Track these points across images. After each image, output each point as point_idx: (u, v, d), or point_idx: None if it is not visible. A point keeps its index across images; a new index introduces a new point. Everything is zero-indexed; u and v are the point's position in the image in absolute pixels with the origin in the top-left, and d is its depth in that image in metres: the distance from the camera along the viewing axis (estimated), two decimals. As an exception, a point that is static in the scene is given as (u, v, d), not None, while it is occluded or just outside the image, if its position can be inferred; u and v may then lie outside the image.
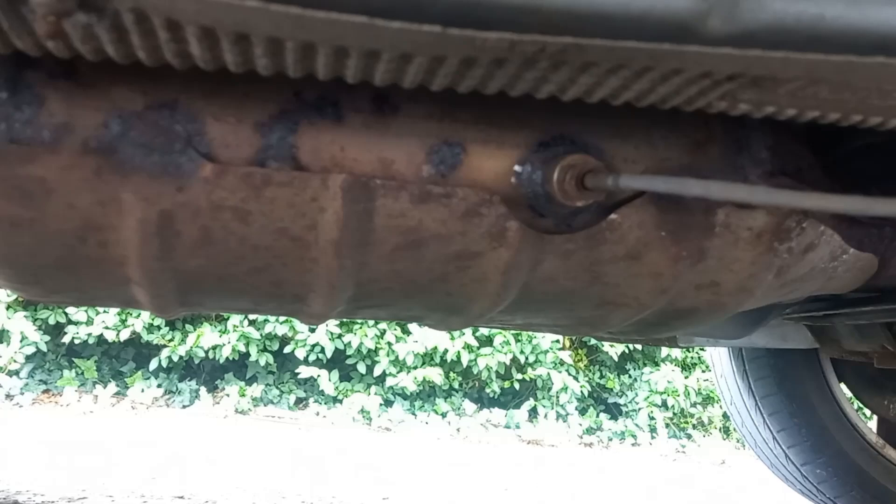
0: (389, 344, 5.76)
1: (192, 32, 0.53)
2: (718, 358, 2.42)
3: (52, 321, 5.48)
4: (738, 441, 6.07)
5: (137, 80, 0.69)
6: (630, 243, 0.82)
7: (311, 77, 0.62)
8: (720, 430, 6.34)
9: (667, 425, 6.20)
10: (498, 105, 0.75)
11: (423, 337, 5.70)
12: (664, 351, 6.45)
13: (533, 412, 5.98)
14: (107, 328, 5.41)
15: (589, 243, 0.81)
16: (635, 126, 0.80)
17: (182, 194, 0.71)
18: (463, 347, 5.73)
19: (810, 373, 2.20)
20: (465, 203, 0.75)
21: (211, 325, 5.65)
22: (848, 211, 0.63)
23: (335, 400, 5.74)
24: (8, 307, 5.29)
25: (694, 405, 6.34)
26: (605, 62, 0.55)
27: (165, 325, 5.64)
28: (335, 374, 5.78)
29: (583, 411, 6.20)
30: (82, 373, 5.50)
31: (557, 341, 6.08)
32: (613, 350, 6.27)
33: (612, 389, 6.43)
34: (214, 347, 5.51)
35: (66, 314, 5.49)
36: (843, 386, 2.25)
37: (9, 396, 5.09)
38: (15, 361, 5.25)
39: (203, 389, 5.56)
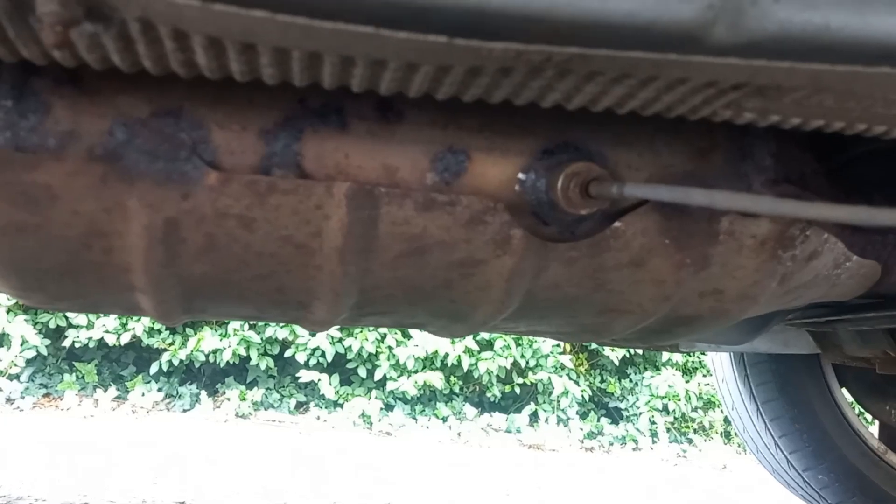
0: (390, 348, 5.76)
1: (199, 42, 0.53)
2: (720, 363, 2.42)
3: (52, 325, 5.47)
4: (739, 446, 6.06)
5: (142, 87, 0.70)
6: (634, 251, 0.82)
7: (315, 85, 0.62)
8: (721, 434, 6.33)
9: (668, 430, 6.19)
10: (502, 113, 0.75)
11: (424, 341, 5.69)
12: (665, 355, 6.44)
13: (534, 416, 5.97)
14: (107, 332, 5.41)
15: (592, 251, 0.81)
16: (639, 134, 0.80)
17: (187, 201, 0.71)
18: (464, 351, 5.72)
19: (812, 378, 2.20)
20: (469, 210, 0.75)
21: (211, 329, 5.64)
22: (851, 221, 0.63)
23: (336, 404, 5.74)
24: (8, 311, 5.28)
25: (695, 410, 6.33)
26: (610, 71, 0.56)
27: (166, 329, 5.63)
28: (336, 378, 5.78)
29: (584, 416, 6.19)
30: (83, 377, 5.50)
31: (558, 345, 6.08)
32: (614, 354, 6.26)
33: (612, 394, 6.42)
34: (215, 351, 5.50)
35: (66, 318, 5.48)
36: (844, 391, 2.25)
37: (9, 400, 5.08)
38: (15, 365, 5.24)
39: (203, 393, 5.55)
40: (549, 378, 5.92)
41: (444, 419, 5.76)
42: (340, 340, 5.69)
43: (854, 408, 2.29)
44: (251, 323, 5.60)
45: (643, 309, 0.88)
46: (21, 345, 5.22)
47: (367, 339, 5.69)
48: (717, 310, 0.91)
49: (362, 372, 5.78)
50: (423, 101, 0.69)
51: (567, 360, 6.07)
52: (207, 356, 5.53)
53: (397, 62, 0.54)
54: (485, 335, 5.82)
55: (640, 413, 6.21)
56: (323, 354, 5.63)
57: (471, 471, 4.12)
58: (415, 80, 0.59)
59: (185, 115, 0.71)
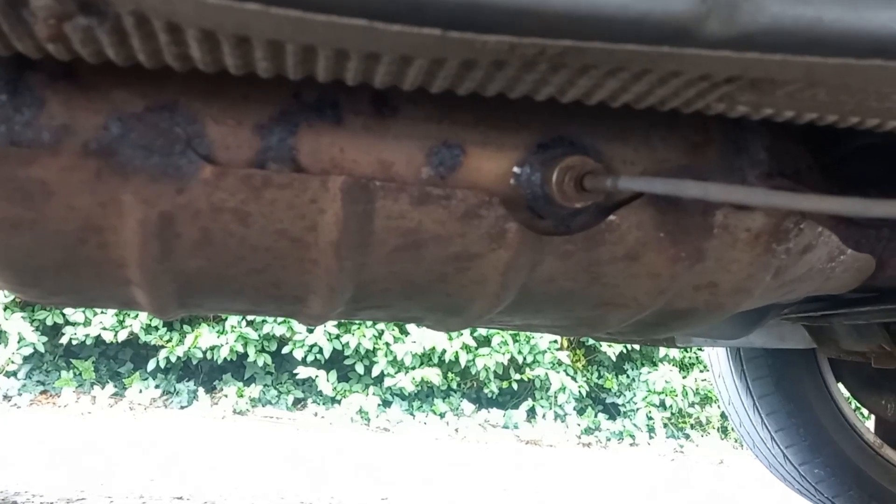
0: (388, 344, 5.76)
1: (193, 35, 0.53)
2: (716, 358, 2.43)
3: (49, 322, 5.47)
4: (736, 441, 6.07)
5: (137, 82, 0.70)
6: (629, 244, 0.82)
7: (310, 78, 0.62)
8: (718, 429, 6.34)
9: (665, 425, 6.20)
10: (497, 107, 0.75)
11: (422, 337, 5.70)
12: (662, 351, 6.46)
13: (531, 412, 5.98)
14: (104, 329, 5.41)
15: (588, 244, 0.81)
16: (634, 128, 0.81)
17: (182, 196, 0.71)
18: (461, 348, 5.73)
19: (808, 373, 2.21)
20: (464, 205, 0.76)
21: (209, 325, 5.64)
22: (845, 212, 0.63)
23: (333, 400, 5.74)
24: (5, 308, 5.28)
25: (692, 405, 6.34)
26: (604, 65, 0.56)
27: (163, 326, 5.64)
28: (333, 375, 5.78)
29: (581, 411, 6.20)
30: (80, 374, 5.50)
31: (555, 341, 6.09)
32: (611, 350, 6.27)
33: (610, 389, 6.43)
34: (212, 348, 5.51)
35: (63, 315, 5.48)
36: (840, 386, 2.26)
37: (6, 397, 5.08)
38: (12, 362, 5.24)
39: (201, 390, 5.55)
40: (547, 374, 5.93)
41: (442, 415, 5.77)
42: (338, 337, 5.69)
43: (850, 402, 2.30)
44: (249, 319, 5.60)
45: (638, 302, 0.89)
46: (18, 342, 5.22)
47: (364, 336, 5.70)
48: (712, 303, 0.91)
49: (360, 368, 5.79)
50: (418, 96, 0.69)
51: (564, 356, 6.08)
52: (205, 353, 5.53)
53: (391, 55, 0.54)
54: (482, 331, 5.82)
55: (638, 408, 6.22)
56: (320, 351, 5.64)
57: (468, 467, 4.12)
58: (409, 73, 0.59)
59: (181, 110, 0.71)
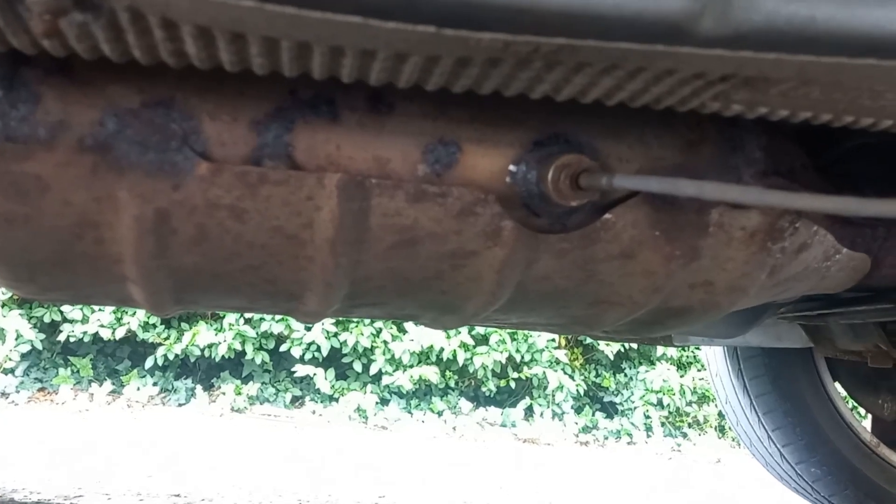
0: (385, 342, 5.76)
1: (188, 32, 0.53)
2: (713, 357, 2.43)
3: (47, 319, 5.47)
4: (733, 440, 6.08)
5: (133, 77, 0.70)
6: (624, 242, 0.82)
7: (306, 75, 0.62)
8: (715, 428, 6.35)
9: (662, 424, 6.21)
10: (493, 104, 0.75)
11: (419, 335, 5.70)
12: (660, 350, 6.46)
13: (529, 411, 5.99)
14: (102, 326, 5.41)
15: (583, 242, 0.81)
16: (629, 125, 0.81)
17: (178, 192, 0.71)
18: (459, 346, 5.73)
19: (805, 372, 2.21)
20: (460, 202, 0.76)
21: (207, 323, 5.64)
22: (840, 211, 0.63)
23: (331, 398, 5.74)
24: (3, 305, 5.28)
25: (689, 404, 6.35)
26: (598, 63, 0.56)
27: (161, 324, 5.63)
28: (331, 373, 5.78)
29: (578, 410, 6.21)
30: (78, 371, 5.49)
31: (553, 340, 6.09)
32: (609, 349, 6.28)
33: (607, 388, 6.43)
34: (210, 346, 5.50)
35: (61, 312, 5.47)
36: (837, 385, 2.26)
37: (4, 395, 5.08)
38: (10, 360, 5.24)
39: (199, 388, 5.55)
40: (545, 372, 5.94)
41: (440, 413, 5.77)
42: (336, 335, 5.69)
43: (847, 401, 2.30)
44: (247, 317, 5.60)
45: (633, 301, 0.89)
46: (16, 339, 5.22)
47: (362, 334, 5.70)
48: (708, 301, 0.91)
49: (358, 366, 5.79)
50: (414, 93, 0.69)
51: (562, 354, 6.08)
52: (203, 350, 5.53)
53: (386, 52, 0.55)
54: (480, 330, 5.83)
55: (635, 407, 6.23)
56: (318, 349, 5.64)
57: (466, 465, 4.13)
58: (404, 70, 0.59)
59: (177, 106, 0.71)
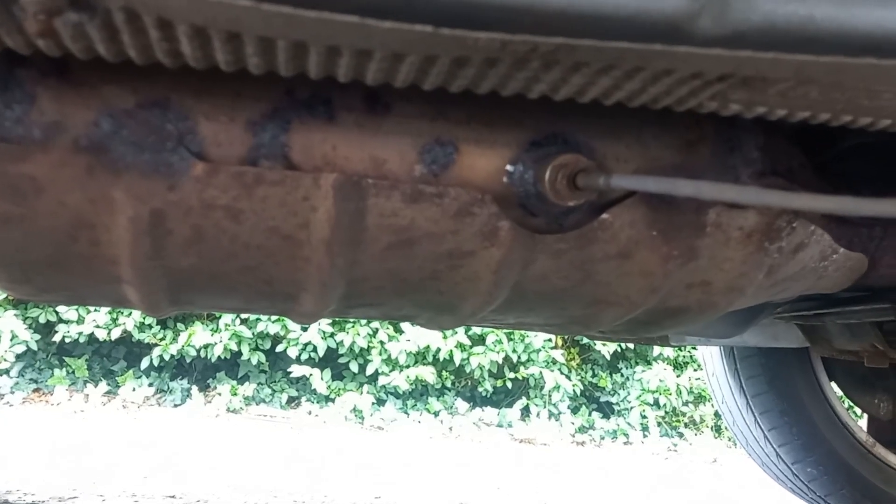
0: (382, 343, 5.76)
1: (184, 31, 0.53)
2: (710, 357, 2.43)
3: (42, 320, 5.45)
4: (729, 439, 6.09)
5: (129, 78, 0.69)
6: (621, 242, 0.82)
7: (302, 75, 0.62)
8: (712, 428, 6.36)
9: (659, 424, 6.21)
10: (490, 104, 0.75)
11: (416, 336, 5.69)
12: (656, 350, 6.47)
13: (525, 411, 5.99)
14: (98, 327, 5.39)
15: (580, 242, 0.81)
16: (627, 125, 0.81)
17: (173, 193, 0.70)
18: (455, 346, 5.73)
19: (801, 372, 2.21)
20: (456, 202, 0.75)
21: (203, 323, 5.63)
22: (837, 211, 0.63)
23: (327, 399, 5.74)
24: (-2, 306, 5.27)
25: (686, 404, 6.36)
26: (596, 62, 0.56)
27: (157, 324, 5.62)
28: (327, 373, 5.78)
29: (575, 410, 6.21)
30: (73, 372, 5.48)
31: (550, 340, 6.09)
32: (606, 349, 6.28)
33: (604, 388, 6.44)
34: (206, 346, 5.49)
35: (56, 313, 5.46)
36: (833, 384, 2.26)
37: (-1, 395, 5.07)
38: (5, 360, 5.22)
39: (195, 388, 5.54)
40: (541, 373, 5.94)
41: (436, 414, 5.77)
42: (332, 335, 5.68)
43: (843, 401, 2.30)
44: (242, 318, 5.59)
45: (631, 301, 0.89)
46: (11, 339, 5.21)
47: (358, 334, 5.69)
48: (705, 301, 0.91)
49: (354, 367, 5.78)
50: (411, 93, 0.69)
51: (559, 354, 6.08)
52: (198, 351, 5.52)
53: (383, 52, 0.54)
54: (477, 330, 5.82)
55: (632, 407, 6.23)
56: (315, 349, 5.63)
57: (462, 465, 4.12)
58: (401, 70, 0.58)
59: (172, 106, 0.70)
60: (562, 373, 6.14)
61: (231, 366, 5.80)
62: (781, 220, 0.85)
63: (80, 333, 5.41)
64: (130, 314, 5.44)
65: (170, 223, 0.72)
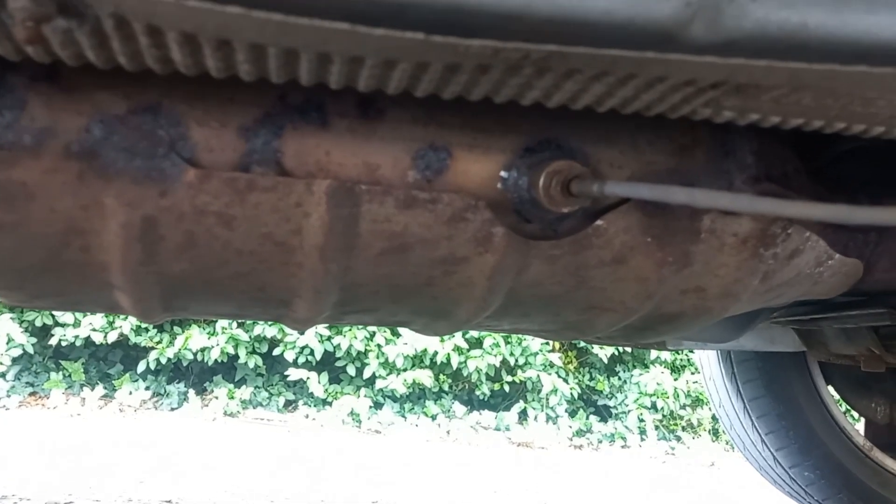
0: (379, 346, 5.75)
1: (174, 38, 0.52)
2: (707, 361, 2.43)
3: (38, 323, 5.44)
4: (727, 443, 6.08)
5: (120, 83, 0.69)
6: (616, 248, 0.82)
7: (295, 81, 0.61)
8: (709, 432, 6.36)
9: (656, 427, 6.21)
10: (484, 110, 0.75)
11: (413, 339, 5.69)
12: (653, 353, 6.47)
13: (523, 414, 5.98)
14: (94, 330, 5.38)
15: (575, 248, 0.81)
16: (621, 131, 0.80)
17: (165, 199, 0.70)
18: (453, 350, 5.73)
19: (798, 376, 2.21)
20: (450, 208, 0.75)
21: (199, 327, 5.62)
22: (831, 219, 0.63)
23: (324, 402, 5.73)
24: (-6, 309, 5.26)
25: (683, 407, 6.35)
26: (588, 69, 0.55)
27: (153, 328, 5.61)
28: (324, 377, 5.77)
29: (572, 413, 6.20)
30: (69, 375, 5.47)
31: (547, 343, 6.09)
32: (603, 352, 6.28)
33: (601, 391, 6.43)
34: (203, 350, 5.48)
35: (52, 316, 5.45)
36: (830, 388, 2.26)
37: (-5, 399, 5.06)
38: (1, 364, 5.21)
39: (191, 392, 5.53)
40: (538, 376, 5.93)
41: (434, 417, 5.76)
42: (329, 339, 5.68)
43: (840, 405, 2.30)
44: (239, 321, 5.58)
45: (626, 307, 0.88)
46: (7, 343, 5.19)
47: (356, 338, 5.69)
48: (700, 307, 0.91)
49: (351, 370, 5.78)
50: (404, 99, 0.69)
51: (556, 358, 6.08)
52: (195, 354, 5.51)
53: (375, 59, 0.54)
54: (474, 333, 5.82)
55: (629, 411, 6.23)
56: (312, 353, 5.63)
57: (460, 469, 4.12)
58: (393, 76, 0.58)
59: (164, 112, 0.70)
60: (559, 376, 6.13)
61: (228, 369, 5.79)
62: (776, 226, 0.85)
63: (77, 337, 5.40)
64: (127, 318, 5.42)
65: (162, 229, 0.72)
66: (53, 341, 5.42)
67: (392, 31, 0.50)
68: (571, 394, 6.12)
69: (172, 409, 5.39)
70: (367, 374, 5.71)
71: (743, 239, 0.84)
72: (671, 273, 0.84)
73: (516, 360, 5.98)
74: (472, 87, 0.60)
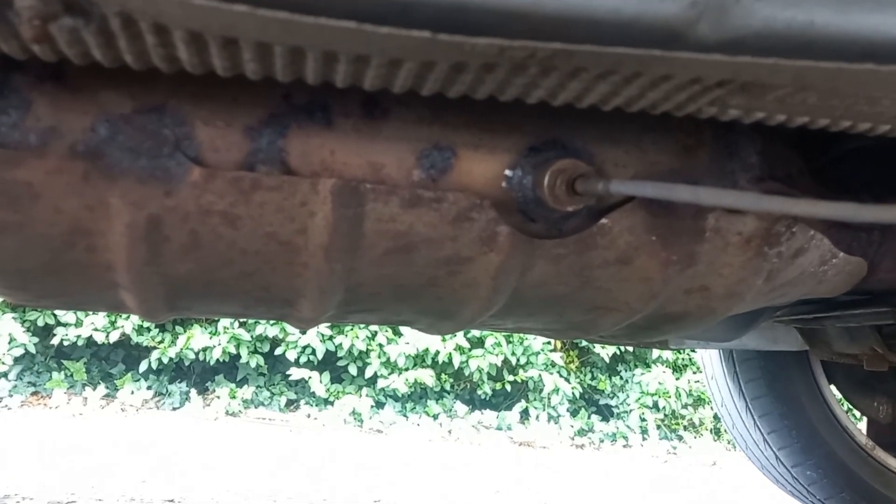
0: (381, 346, 5.75)
1: (180, 37, 0.52)
2: (709, 360, 2.43)
3: (40, 323, 5.44)
4: (728, 442, 6.08)
5: (126, 83, 0.69)
6: (620, 248, 0.82)
7: (300, 80, 0.61)
8: (711, 431, 6.35)
9: (658, 427, 6.21)
10: (489, 109, 0.75)
11: (415, 339, 5.69)
12: (655, 352, 6.46)
13: (524, 414, 5.98)
14: (96, 330, 5.38)
15: (579, 248, 0.80)
16: (625, 130, 0.80)
17: (170, 199, 0.70)
18: (454, 349, 5.72)
19: (801, 375, 2.21)
20: (455, 207, 0.75)
21: (201, 326, 5.62)
22: (836, 218, 0.63)
23: (326, 402, 5.73)
24: (-4, 309, 5.26)
25: (685, 406, 6.35)
26: (594, 68, 0.55)
27: (155, 327, 5.61)
28: (326, 376, 5.77)
29: (574, 413, 6.20)
30: (71, 375, 5.47)
31: (549, 343, 6.08)
32: (605, 352, 6.27)
33: (603, 391, 6.43)
34: (205, 349, 5.48)
35: (55, 316, 5.45)
36: (833, 387, 2.26)
37: (-3, 398, 5.06)
38: (3, 363, 5.21)
39: (193, 391, 5.53)
40: (540, 375, 5.93)
41: (435, 416, 5.76)
42: (331, 338, 5.68)
43: (842, 404, 2.30)
44: (241, 320, 5.59)
45: (630, 306, 0.88)
46: (9, 342, 5.19)
47: (357, 337, 5.68)
48: (704, 307, 0.91)
49: (353, 369, 5.78)
50: (409, 98, 0.69)
51: (558, 357, 6.08)
52: (197, 354, 5.51)
53: (381, 58, 0.54)
54: (476, 332, 5.82)
55: (631, 410, 6.22)
56: (313, 352, 5.63)
57: (461, 468, 4.12)
58: (399, 75, 0.58)
59: (169, 112, 0.70)
60: (561, 375, 6.13)
61: (230, 369, 5.79)
62: (780, 224, 0.85)
63: (79, 336, 5.40)
64: (129, 317, 5.42)
65: (167, 229, 0.72)
66: (55, 341, 5.42)
67: (398, 30, 0.50)
68: (573, 393, 6.12)
69: (174, 409, 5.39)
70: (368, 373, 5.71)
71: (747, 238, 0.84)
72: (675, 273, 0.84)
73: (518, 360, 5.98)
74: (477, 86, 0.60)
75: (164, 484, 2.94)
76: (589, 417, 6.17)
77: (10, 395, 5.11)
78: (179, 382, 5.70)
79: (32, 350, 5.36)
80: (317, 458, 3.97)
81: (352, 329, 5.69)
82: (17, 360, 5.33)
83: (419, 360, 5.81)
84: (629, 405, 6.28)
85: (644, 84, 0.59)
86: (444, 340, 5.72)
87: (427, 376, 5.67)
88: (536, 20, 0.50)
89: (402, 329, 5.69)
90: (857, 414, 2.43)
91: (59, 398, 5.14)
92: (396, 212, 0.74)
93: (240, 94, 0.71)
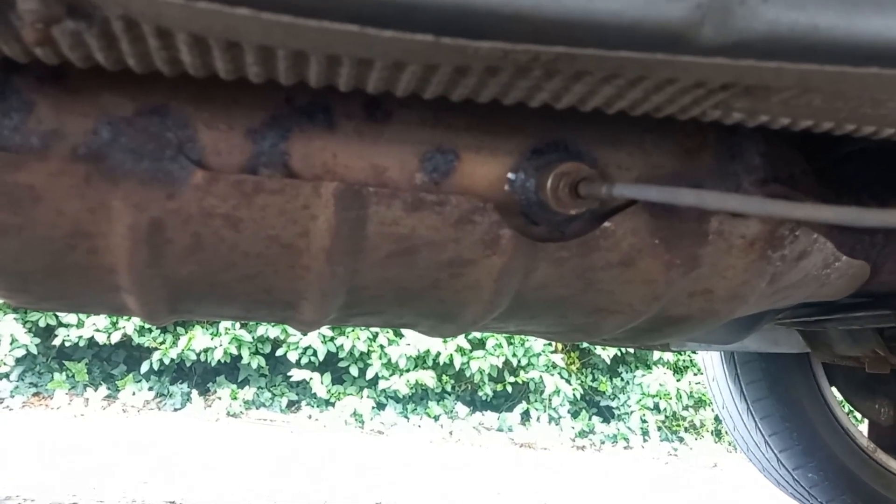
0: (382, 347, 5.75)
1: (183, 40, 0.52)
2: (710, 361, 2.43)
3: (42, 324, 5.44)
4: (729, 444, 6.07)
5: (128, 85, 0.69)
6: (623, 250, 0.81)
7: (302, 83, 0.61)
8: (712, 433, 6.35)
9: (659, 428, 6.20)
10: (491, 112, 0.75)
11: (416, 340, 5.68)
12: (656, 354, 6.45)
13: (525, 415, 5.98)
14: (98, 331, 5.38)
15: (582, 251, 0.80)
16: (628, 133, 0.80)
17: (172, 201, 0.70)
18: (455, 350, 5.72)
19: (802, 377, 2.21)
20: (458, 210, 0.75)
21: (203, 328, 5.62)
22: (839, 221, 0.62)
23: (327, 403, 5.73)
24: (-2, 309, 5.26)
25: (686, 408, 6.34)
26: (598, 71, 0.55)
27: (157, 328, 5.61)
28: (327, 377, 5.77)
29: (575, 414, 6.20)
30: (73, 375, 5.47)
31: (550, 344, 6.08)
32: (605, 353, 6.26)
33: (604, 392, 6.43)
34: (206, 350, 5.48)
35: (56, 317, 5.45)
36: (834, 390, 2.26)
37: (-2, 399, 5.06)
38: (5, 364, 5.21)
39: (195, 392, 5.53)
40: (541, 377, 5.93)
41: (436, 418, 5.76)
42: (332, 339, 5.67)
43: (844, 406, 2.30)
44: (242, 322, 5.58)
45: (633, 309, 0.88)
46: (11, 343, 5.19)
47: (358, 338, 5.68)
48: (707, 310, 0.90)
49: (354, 371, 5.77)
50: (411, 101, 0.69)
51: (559, 358, 6.07)
52: (199, 355, 5.51)
53: (384, 61, 0.54)
54: (476, 334, 5.82)
55: (632, 412, 6.22)
56: (315, 353, 5.62)
57: (462, 469, 4.11)
58: (402, 79, 0.58)
59: (171, 114, 0.70)
60: (562, 377, 6.12)
61: (231, 370, 5.79)
62: (784, 228, 0.85)
63: (80, 337, 5.40)
64: (130, 318, 5.42)
65: (169, 232, 0.72)
66: (57, 342, 5.42)
67: (401, 34, 0.50)
68: (574, 395, 6.12)
69: (175, 410, 5.39)
70: (369, 374, 5.71)
71: (751, 241, 0.84)
72: (679, 275, 0.84)
73: (519, 361, 5.98)
74: (480, 89, 0.60)
75: (165, 485, 2.94)
76: (590, 419, 6.16)
77: (12, 396, 5.11)
78: (181, 383, 5.69)
79: (34, 351, 5.36)
80: (318, 459, 3.97)
81: (353, 330, 5.69)
82: (18, 360, 5.33)
83: (420, 361, 5.80)
84: (630, 407, 6.28)
85: (648, 87, 0.58)
86: (445, 342, 5.72)
87: (428, 377, 5.67)
88: (539, 23, 0.50)
89: (404, 330, 5.68)
90: (859, 416, 2.42)
91: (61, 399, 5.14)
92: (399, 215, 0.74)
93: (242, 96, 0.71)
